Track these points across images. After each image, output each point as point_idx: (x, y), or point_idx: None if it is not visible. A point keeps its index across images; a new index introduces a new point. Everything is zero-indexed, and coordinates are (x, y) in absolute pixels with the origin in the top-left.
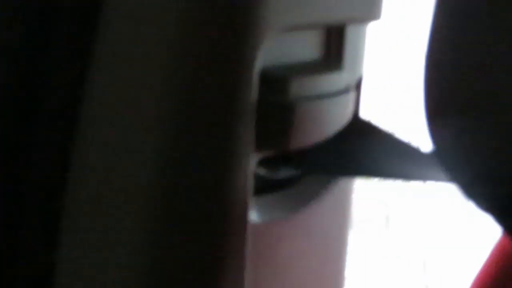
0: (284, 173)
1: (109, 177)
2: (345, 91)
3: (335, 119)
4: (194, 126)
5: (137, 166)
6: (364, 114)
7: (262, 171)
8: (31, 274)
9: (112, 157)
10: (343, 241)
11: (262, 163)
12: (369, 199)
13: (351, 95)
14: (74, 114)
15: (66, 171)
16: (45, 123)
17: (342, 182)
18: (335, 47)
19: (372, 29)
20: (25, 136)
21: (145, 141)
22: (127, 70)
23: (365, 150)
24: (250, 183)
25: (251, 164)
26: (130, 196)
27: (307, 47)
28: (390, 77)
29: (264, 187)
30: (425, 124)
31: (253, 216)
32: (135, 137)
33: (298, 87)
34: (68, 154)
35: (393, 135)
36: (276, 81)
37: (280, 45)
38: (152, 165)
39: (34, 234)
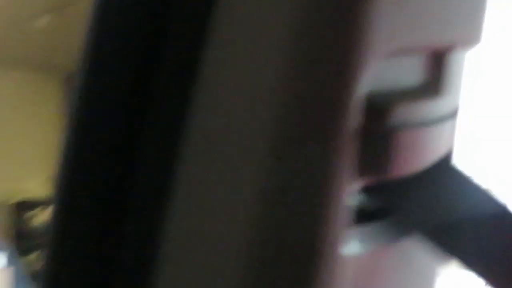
0: (381, 203)
1: (210, 210)
2: (444, 119)
3: (435, 147)
4: (294, 154)
5: (236, 201)
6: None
7: (362, 200)
8: None
9: (213, 188)
10: (434, 275)
11: (362, 191)
12: None
13: (450, 124)
14: (181, 127)
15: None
16: (152, 138)
17: None
18: (438, 73)
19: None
20: (129, 157)
21: (245, 169)
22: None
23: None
24: (349, 213)
25: (352, 193)
26: (229, 233)
27: (409, 72)
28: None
29: (362, 217)
30: None
31: (352, 246)
32: (237, 166)
33: (400, 114)
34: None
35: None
36: (379, 108)
37: (383, 70)
38: (251, 199)
39: (131, 264)
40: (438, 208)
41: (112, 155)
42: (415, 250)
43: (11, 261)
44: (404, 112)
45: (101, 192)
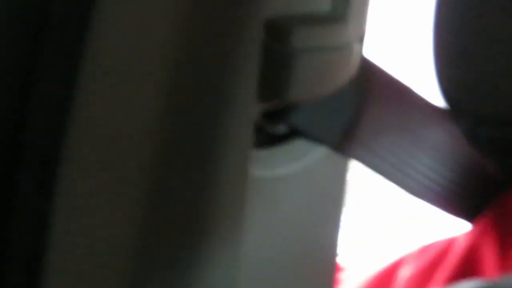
0: (284, 128)
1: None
2: (348, 45)
3: (337, 74)
4: (196, 70)
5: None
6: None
7: (263, 124)
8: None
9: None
10: (338, 204)
11: (263, 116)
12: None
13: (355, 51)
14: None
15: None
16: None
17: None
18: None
19: None
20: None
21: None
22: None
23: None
24: (251, 136)
25: (254, 116)
26: (133, 137)
27: None
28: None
29: (263, 141)
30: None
31: (256, 169)
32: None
33: (303, 37)
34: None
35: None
36: (281, 30)
37: None
38: (153, 113)
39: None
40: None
41: None
42: (319, 177)
43: None
44: (308, 36)
45: None
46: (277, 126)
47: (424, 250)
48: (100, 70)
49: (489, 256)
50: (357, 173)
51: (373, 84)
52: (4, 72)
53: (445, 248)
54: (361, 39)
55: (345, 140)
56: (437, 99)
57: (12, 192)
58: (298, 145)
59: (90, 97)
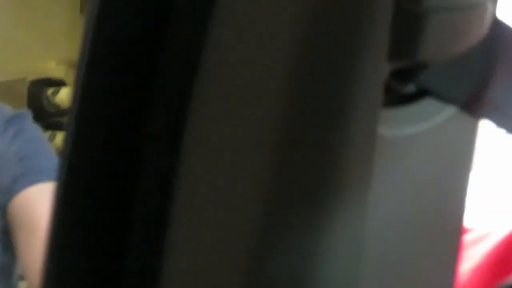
0: (413, 87)
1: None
2: (481, 5)
3: (469, 33)
4: (325, 29)
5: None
6: None
7: (392, 84)
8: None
9: None
10: (467, 165)
11: (392, 75)
12: None
13: (488, 11)
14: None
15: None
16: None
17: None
18: None
19: None
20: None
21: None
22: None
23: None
24: (381, 95)
25: (384, 75)
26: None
27: None
28: None
29: (392, 101)
30: None
31: (386, 128)
32: None
33: None
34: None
35: None
36: None
37: None
38: (282, 70)
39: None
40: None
41: (114, 156)
42: (450, 132)
43: None
44: None
45: (103, 192)
46: (406, 86)
47: None
48: (221, 65)
49: None
50: (487, 134)
51: (504, 44)
52: (122, 74)
53: None
54: (494, 1)
55: (475, 100)
56: None
57: (132, 194)
58: (427, 105)
59: (210, 91)
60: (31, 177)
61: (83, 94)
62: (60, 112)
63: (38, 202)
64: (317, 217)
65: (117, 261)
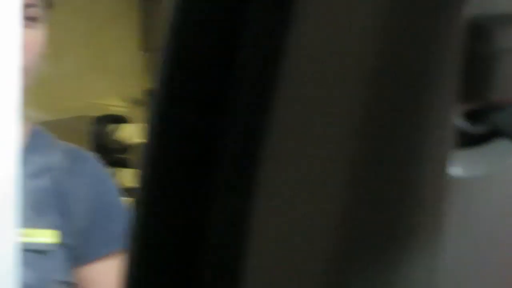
0: (484, 128)
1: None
2: None
3: None
4: (398, 71)
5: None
6: None
7: (463, 125)
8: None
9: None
10: None
11: (463, 116)
12: None
13: None
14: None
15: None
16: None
17: None
18: None
19: None
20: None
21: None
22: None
23: None
24: (453, 136)
25: (455, 116)
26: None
27: None
28: None
29: (463, 141)
30: None
31: (457, 170)
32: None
33: (506, 37)
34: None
35: None
36: (484, 30)
37: None
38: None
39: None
40: None
41: (194, 159)
42: None
43: None
44: (509, 36)
45: (183, 194)
46: (477, 126)
47: None
48: (300, 69)
49: None
50: None
51: None
52: (203, 75)
53: None
54: None
55: None
56: None
57: (210, 196)
58: (499, 146)
59: (289, 96)
60: (102, 248)
61: (156, 135)
62: (122, 148)
63: (107, 277)
64: (392, 257)
65: None
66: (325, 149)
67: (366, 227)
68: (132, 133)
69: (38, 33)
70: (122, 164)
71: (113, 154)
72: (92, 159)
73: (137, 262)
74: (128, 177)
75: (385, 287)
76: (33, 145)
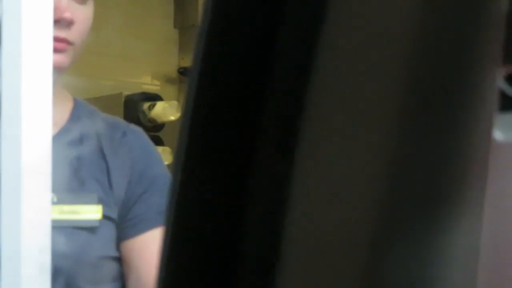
0: None
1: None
2: None
3: None
4: (440, 33)
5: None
6: None
7: (505, 88)
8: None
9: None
10: None
11: (505, 79)
12: None
13: None
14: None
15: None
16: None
17: None
18: None
19: None
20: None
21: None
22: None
23: None
24: (496, 99)
25: (498, 79)
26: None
27: None
28: None
29: (505, 105)
30: None
31: (497, 133)
32: None
33: None
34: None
35: None
36: None
37: None
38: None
39: (253, 265)
40: None
41: (230, 157)
42: None
43: None
44: None
45: (218, 191)
46: None
47: None
48: (335, 68)
49: None
50: None
51: None
52: (243, 67)
53: None
54: None
55: None
56: None
57: (248, 177)
58: None
59: (324, 92)
60: (147, 222)
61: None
62: (156, 126)
63: (151, 251)
64: (433, 226)
65: None
66: (365, 125)
67: (410, 195)
68: (166, 111)
69: (88, 9)
70: (156, 142)
71: (147, 132)
72: (137, 132)
73: (173, 238)
74: (163, 155)
75: (430, 258)
76: (76, 114)
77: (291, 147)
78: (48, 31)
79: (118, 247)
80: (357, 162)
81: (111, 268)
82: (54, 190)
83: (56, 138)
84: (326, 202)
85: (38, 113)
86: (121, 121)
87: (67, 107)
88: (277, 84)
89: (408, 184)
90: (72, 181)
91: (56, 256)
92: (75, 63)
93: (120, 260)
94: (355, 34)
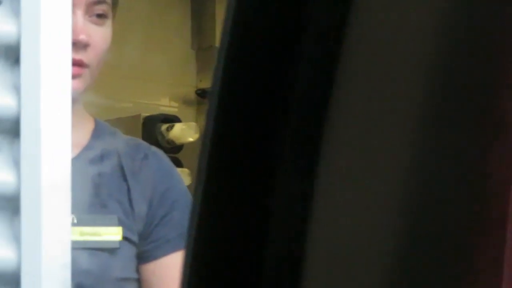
0: None
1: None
2: None
3: None
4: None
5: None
6: None
7: None
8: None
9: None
10: None
11: None
12: None
13: None
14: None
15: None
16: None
17: None
18: None
19: None
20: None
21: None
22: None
23: None
24: None
25: None
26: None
27: None
28: None
29: None
30: None
31: None
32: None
33: None
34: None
35: None
36: None
37: None
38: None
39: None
40: None
41: (251, 176)
42: None
43: None
44: None
45: (240, 211)
46: None
47: None
48: (359, 69)
49: None
50: None
51: None
52: (268, 73)
53: None
54: None
55: None
56: None
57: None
58: None
59: (349, 93)
60: (168, 245)
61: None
62: (174, 148)
63: (171, 274)
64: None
65: None
66: (386, 136)
67: (433, 200)
68: (185, 132)
69: (106, 31)
70: (175, 163)
71: (165, 154)
72: (158, 153)
73: (195, 261)
74: (181, 176)
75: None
76: (96, 135)
77: (313, 161)
78: (66, 52)
79: (137, 268)
80: (378, 173)
81: None
82: (74, 211)
83: (77, 158)
84: (348, 214)
85: (57, 133)
86: (142, 142)
87: (88, 128)
88: (298, 100)
89: (430, 191)
90: (93, 202)
91: (78, 273)
92: (93, 84)
93: (138, 281)
94: (377, 38)
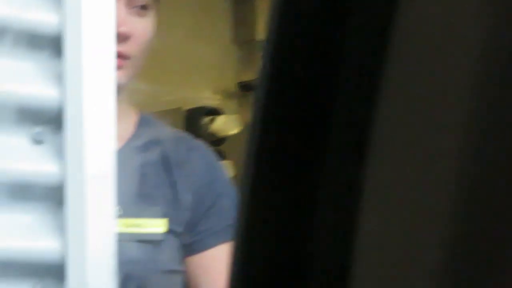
0: None
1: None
2: None
3: None
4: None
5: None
6: None
7: None
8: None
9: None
10: None
11: None
12: None
13: None
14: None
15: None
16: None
17: None
18: None
19: None
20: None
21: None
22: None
23: None
24: None
25: None
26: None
27: None
28: None
29: None
30: None
31: None
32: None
33: None
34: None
35: None
36: None
37: None
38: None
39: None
40: None
41: (300, 166)
42: None
43: None
44: None
45: (289, 185)
46: None
47: None
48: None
49: None
50: None
51: None
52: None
53: None
54: None
55: None
56: None
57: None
58: None
59: (393, 99)
60: (212, 238)
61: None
62: (217, 140)
63: (217, 267)
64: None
65: None
66: (439, 128)
67: (485, 198)
68: (227, 125)
69: (148, 22)
70: (218, 155)
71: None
72: (202, 146)
73: (243, 250)
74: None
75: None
76: (141, 127)
77: (364, 153)
78: (109, 43)
79: (182, 261)
80: (430, 166)
81: (175, 281)
82: (120, 203)
83: (122, 150)
84: (399, 206)
85: (101, 124)
86: (186, 135)
87: (132, 120)
88: (348, 92)
89: (481, 189)
90: (138, 194)
91: (125, 264)
92: (136, 76)
93: (183, 273)
94: (425, 35)
